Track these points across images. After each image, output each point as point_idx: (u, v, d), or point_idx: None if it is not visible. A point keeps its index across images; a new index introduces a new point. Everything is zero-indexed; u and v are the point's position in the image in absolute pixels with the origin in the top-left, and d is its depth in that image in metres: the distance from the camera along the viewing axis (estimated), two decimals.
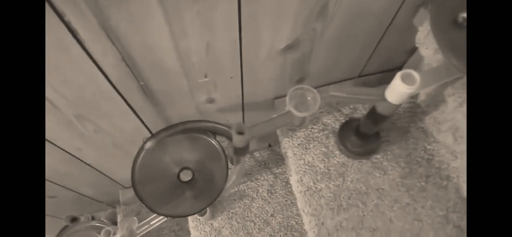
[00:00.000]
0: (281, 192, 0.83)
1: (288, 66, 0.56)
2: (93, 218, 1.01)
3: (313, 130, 0.64)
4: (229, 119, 0.68)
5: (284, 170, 0.86)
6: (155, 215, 0.69)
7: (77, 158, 0.71)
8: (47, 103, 0.49)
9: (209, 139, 0.56)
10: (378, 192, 0.59)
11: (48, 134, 0.59)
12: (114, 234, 0.71)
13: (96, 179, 0.86)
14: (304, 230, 0.79)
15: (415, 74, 0.41)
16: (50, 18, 0.34)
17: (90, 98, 0.51)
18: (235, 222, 0.81)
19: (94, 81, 0.47)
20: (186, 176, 0.56)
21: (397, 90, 0.42)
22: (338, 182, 0.60)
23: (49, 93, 0.47)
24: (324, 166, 0.61)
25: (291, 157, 0.63)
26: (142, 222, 0.71)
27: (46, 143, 0.60)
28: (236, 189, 0.85)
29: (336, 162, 0.62)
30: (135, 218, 0.71)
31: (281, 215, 0.81)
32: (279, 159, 0.88)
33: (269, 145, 0.90)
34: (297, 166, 0.62)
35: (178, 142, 0.56)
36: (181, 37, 0.42)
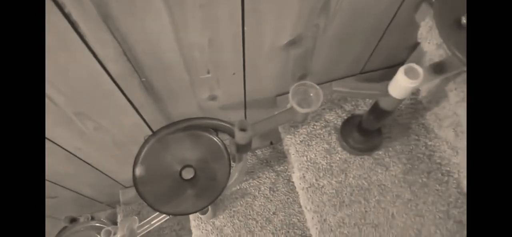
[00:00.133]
0: (283, 189, 0.83)
1: (291, 62, 0.56)
2: (92, 219, 1.01)
3: (315, 127, 0.64)
4: (231, 117, 0.67)
5: (286, 168, 0.86)
6: (156, 214, 0.69)
7: (77, 157, 0.70)
8: (46, 100, 0.48)
9: (211, 136, 0.56)
10: (380, 188, 0.59)
11: (48, 133, 0.58)
12: (115, 234, 0.70)
13: (96, 179, 0.85)
14: (306, 227, 0.79)
15: (418, 68, 0.41)
16: (50, 9, 0.33)
17: (90, 95, 0.50)
18: (237, 221, 0.81)
19: (95, 77, 0.46)
20: (188, 174, 0.56)
21: (400, 85, 0.42)
22: (340, 179, 0.60)
23: (48, 89, 0.46)
24: (326, 163, 0.61)
25: (293, 154, 0.63)
26: (143, 222, 0.70)
27: (46, 142, 0.60)
28: (238, 187, 0.84)
29: (338, 159, 0.62)
30: (136, 217, 0.70)
31: (283, 213, 0.81)
32: (281, 157, 0.87)
33: (271, 143, 0.90)
34: (299, 163, 0.62)
35: (180, 140, 0.56)
36: (183, 30, 0.41)
